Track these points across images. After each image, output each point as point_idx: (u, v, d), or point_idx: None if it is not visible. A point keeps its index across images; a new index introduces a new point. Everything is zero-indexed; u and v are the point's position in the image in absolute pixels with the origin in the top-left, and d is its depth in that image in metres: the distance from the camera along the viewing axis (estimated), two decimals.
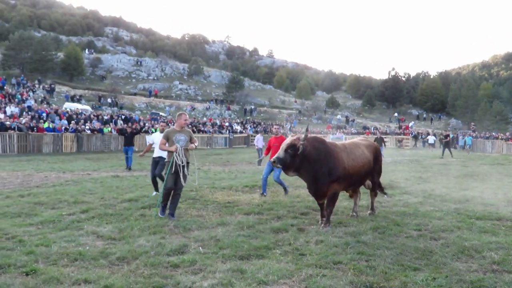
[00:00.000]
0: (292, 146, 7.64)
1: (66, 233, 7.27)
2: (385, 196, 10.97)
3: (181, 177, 8.41)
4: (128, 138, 19.62)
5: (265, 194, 11.59)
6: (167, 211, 8.64)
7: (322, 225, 7.99)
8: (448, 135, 32.65)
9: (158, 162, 11.22)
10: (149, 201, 10.29)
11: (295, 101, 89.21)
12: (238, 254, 6.19)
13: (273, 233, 7.47)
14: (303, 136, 7.79)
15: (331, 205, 8.11)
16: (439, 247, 6.68)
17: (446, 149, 30.05)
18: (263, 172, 11.95)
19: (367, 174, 8.92)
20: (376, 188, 9.46)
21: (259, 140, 23.43)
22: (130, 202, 10.19)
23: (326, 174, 7.81)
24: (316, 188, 7.93)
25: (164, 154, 9.90)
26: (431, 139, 41.57)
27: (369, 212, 9.33)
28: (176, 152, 8.36)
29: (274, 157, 7.72)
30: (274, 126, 12.74)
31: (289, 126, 56.59)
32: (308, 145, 7.76)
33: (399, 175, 17.22)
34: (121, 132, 20.95)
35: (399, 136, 50.52)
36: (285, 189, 11.89)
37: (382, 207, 10.17)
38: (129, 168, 18.91)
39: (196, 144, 8.75)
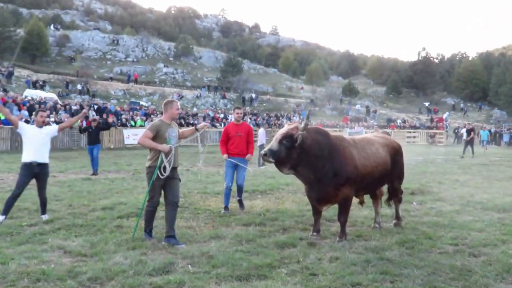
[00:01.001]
0: (288, 137, 7.51)
1: (27, 247, 7.24)
2: (414, 203, 10.95)
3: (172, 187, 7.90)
4: (94, 134, 18.68)
5: (227, 211, 10.35)
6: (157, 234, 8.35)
7: (337, 238, 7.98)
8: (472, 130, 32.33)
9: None
10: (127, 209, 10.28)
11: (302, 88, 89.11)
12: (235, 274, 6.17)
13: (278, 248, 7.45)
14: (302, 125, 7.67)
15: (344, 213, 8.08)
16: (479, 266, 6.66)
17: (468, 146, 29.98)
18: (225, 179, 10.77)
19: (382, 178, 8.87)
20: (398, 195, 9.43)
21: (261, 135, 23.38)
22: (104, 211, 10.18)
23: (332, 175, 7.77)
24: (319, 192, 7.89)
25: None
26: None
27: (394, 222, 9.32)
28: (169, 155, 7.79)
29: (265, 149, 7.58)
30: (236, 111, 10.98)
31: (297, 119, 56.61)
32: (309, 138, 7.67)
33: (430, 177, 17.21)
34: (83, 129, 19.85)
35: (431, 131, 50.51)
36: (240, 201, 10.82)
37: (410, 216, 10.15)
38: (94, 172, 17.89)
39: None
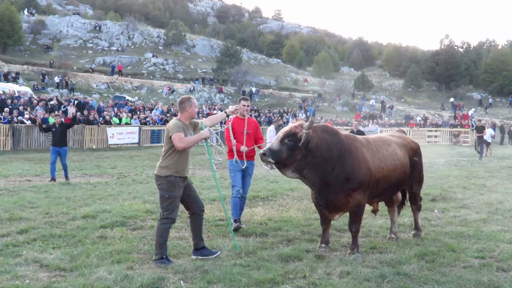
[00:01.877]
0: (291, 135, 7.51)
1: None
2: (435, 211, 10.96)
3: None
4: (58, 134, 17.44)
5: (241, 224, 9.82)
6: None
7: (349, 251, 8.01)
8: (483, 127, 31.65)
9: None
10: (111, 218, 10.29)
11: (306, 80, 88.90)
12: None
13: (282, 261, 7.48)
14: (307, 123, 7.66)
15: (356, 222, 8.09)
16: (509, 281, 6.70)
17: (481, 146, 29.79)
18: (233, 185, 10.01)
19: (400, 182, 8.87)
20: (417, 202, 9.45)
21: (271, 133, 23.17)
22: (86, 220, 10.21)
23: (343, 179, 7.78)
24: (328, 198, 7.90)
25: None
26: (487, 133, 34.53)
27: (413, 233, 9.35)
28: (209, 139, 7.95)
29: (265, 148, 7.55)
30: (242, 103, 10.07)
31: (304, 116, 56.59)
32: (315, 137, 7.68)
33: (454, 182, 17.23)
34: (44, 128, 19.04)
35: (455, 129, 50.47)
36: (236, 221, 9.83)
37: (431, 226, 10.18)
38: (53, 178, 16.95)
39: None
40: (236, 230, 9.31)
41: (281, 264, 7.29)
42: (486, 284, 6.52)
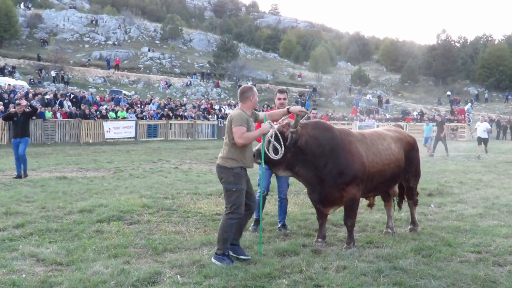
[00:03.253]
0: (278, 135, 7.47)
1: None
2: (432, 206, 10.97)
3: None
4: (19, 124, 16.43)
5: (257, 227, 9.25)
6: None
7: (345, 245, 8.02)
8: (442, 123, 30.81)
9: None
10: (107, 212, 10.28)
11: (299, 76, 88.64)
12: (230, 285, 6.20)
13: (279, 256, 7.48)
14: (293, 121, 7.62)
15: (351, 216, 8.10)
16: (505, 276, 6.71)
17: (440, 142, 28.97)
18: (258, 183, 9.55)
19: (395, 177, 8.87)
20: (414, 197, 9.47)
21: None
22: (82, 214, 10.18)
23: (336, 174, 7.78)
24: (321, 193, 7.91)
25: None
26: (481, 128, 29.40)
27: (409, 227, 9.37)
28: (270, 136, 7.50)
29: (254, 149, 7.52)
30: (278, 96, 9.49)
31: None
32: (305, 134, 7.66)
33: (451, 177, 17.25)
34: (5, 116, 17.91)
35: (452, 124, 50.50)
36: (283, 225, 9.49)
37: (427, 220, 10.19)
38: (19, 175, 15.98)
39: None
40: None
41: (277, 259, 7.28)
42: (482, 279, 6.52)
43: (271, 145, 7.38)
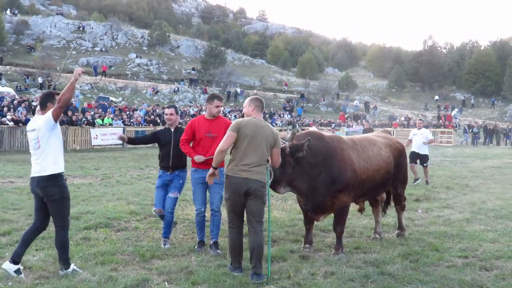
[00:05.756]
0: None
1: None
2: (419, 211, 11.00)
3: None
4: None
5: (202, 247, 8.44)
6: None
7: (333, 251, 8.04)
8: (371, 129, 24.41)
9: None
10: (94, 219, 10.24)
11: (285, 84, 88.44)
12: None
13: (266, 262, 7.47)
14: (289, 134, 7.63)
15: (341, 223, 8.14)
16: (492, 280, 6.75)
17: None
18: (194, 201, 8.79)
19: (385, 182, 8.92)
20: (401, 202, 9.51)
21: None
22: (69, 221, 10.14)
23: (329, 182, 7.80)
24: (314, 201, 7.92)
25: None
26: (417, 139, 19.71)
27: (397, 232, 9.41)
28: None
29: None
30: (216, 102, 8.32)
31: (288, 117, 56.64)
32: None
33: (438, 182, 17.31)
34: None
35: (439, 129, 50.66)
36: (215, 244, 8.39)
37: (415, 226, 10.23)
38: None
39: None
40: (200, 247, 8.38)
41: (265, 265, 7.26)
42: (469, 283, 6.56)
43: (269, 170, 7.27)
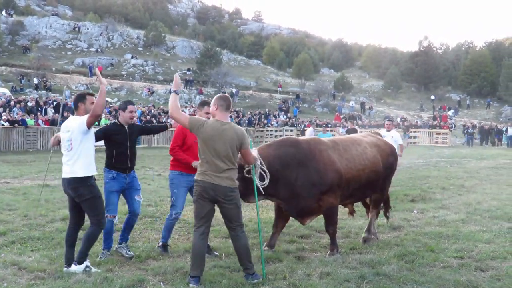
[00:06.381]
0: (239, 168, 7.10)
1: None
2: (414, 212, 11.00)
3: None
4: None
5: (166, 251, 8.31)
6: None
7: (328, 252, 8.04)
8: (354, 130, 23.66)
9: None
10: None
11: (280, 86, 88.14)
12: None
13: (260, 263, 7.47)
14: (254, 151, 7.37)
15: (332, 223, 8.13)
16: (487, 281, 6.76)
17: None
18: (174, 204, 8.46)
19: (372, 182, 8.82)
20: (378, 206, 9.41)
21: (310, 135, 21.91)
22: (65, 222, 10.09)
23: (310, 185, 7.77)
24: (298, 206, 7.93)
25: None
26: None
27: (363, 235, 9.11)
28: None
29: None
30: (206, 109, 8.03)
31: (284, 117, 56.60)
32: (267, 156, 7.59)
33: (433, 183, 17.33)
34: None
35: (435, 130, 50.71)
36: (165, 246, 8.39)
37: (410, 226, 10.24)
38: None
39: None
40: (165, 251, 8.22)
41: (261, 266, 7.27)
42: (464, 284, 6.57)
43: (258, 172, 7.32)
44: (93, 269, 6.90)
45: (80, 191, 6.84)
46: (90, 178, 6.95)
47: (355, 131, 20.22)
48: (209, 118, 7.23)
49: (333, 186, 7.91)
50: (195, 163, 7.78)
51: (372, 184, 8.89)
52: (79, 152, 6.84)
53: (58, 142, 7.22)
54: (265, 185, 7.31)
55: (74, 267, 6.84)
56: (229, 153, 6.63)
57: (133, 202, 8.13)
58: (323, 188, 7.82)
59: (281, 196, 7.88)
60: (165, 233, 8.34)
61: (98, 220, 6.97)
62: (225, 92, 68.79)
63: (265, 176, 7.30)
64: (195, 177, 6.80)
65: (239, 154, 6.87)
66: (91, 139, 7.04)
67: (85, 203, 6.91)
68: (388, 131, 15.10)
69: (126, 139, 7.90)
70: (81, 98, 7.10)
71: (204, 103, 8.15)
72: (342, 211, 11.56)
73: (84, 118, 6.82)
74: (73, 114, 7.18)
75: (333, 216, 8.13)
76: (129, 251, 7.89)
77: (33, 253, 7.81)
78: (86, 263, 6.89)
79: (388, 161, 9.13)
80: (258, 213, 7.67)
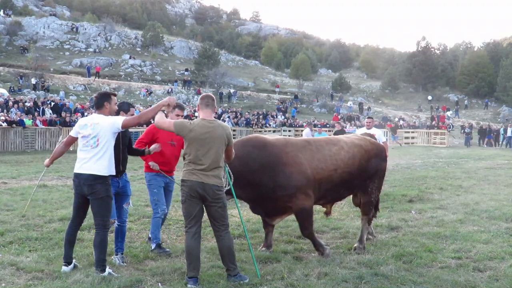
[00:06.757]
0: None
1: None
2: (412, 212, 10.98)
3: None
4: None
5: (162, 250, 8.27)
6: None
7: (317, 253, 8.01)
8: (343, 131, 21.82)
9: None
10: (88, 220, 10.19)
11: (277, 86, 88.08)
12: None
13: (260, 263, 7.48)
14: None
15: (306, 227, 8.01)
16: (485, 281, 6.77)
17: None
18: (157, 202, 8.53)
19: (347, 183, 8.53)
20: (369, 212, 9.04)
21: (308, 135, 22.03)
22: (63, 222, 10.12)
23: (274, 187, 7.70)
24: (266, 207, 7.95)
25: None
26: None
27: (355, 245, 8.63)
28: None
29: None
30: (177, 111, 8.42)
31: (282, 118, 56.61)
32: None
33: (431, 183, 17.32)
34: None
35: (433, 130, 50.77)
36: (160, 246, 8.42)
37: (408, 227, 10.24)
38: None
39: None
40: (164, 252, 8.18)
41: (259, 266, 7.27)
42: (462, 284, 6.57)
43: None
44: (116, 275, 6.86)
45: (97, 188, 6.81)
46: (109, 177, 6.97)
47: (342, 132, 19.77)
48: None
49: (301, 188, 7.77)
50: (152, 163, 8.21)
51: (348, 185, 8.62)
52: (104, 150, 6.83)
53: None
54: (230, 186, 7.27)
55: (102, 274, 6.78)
56: (217, 150, 6.69)
57: (121, 210, 7.96)
58: (290, 191, 7.71)
59: (247, 197, 7.92)
60: (155, 233, 8.35)
61: (104, 222, 6.95)
62: (222, 93, 69.22)
63: (230, 176, 7.30)
64: (182, 177, 6.80)
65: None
66: (115, 140, 7.07)
67: (97, 201, 6.87)
68: (368, 128, 14.51)
69: (119, 142, 7.66)
70: (107, 97, 7.13)
71: (175, 106, 8.10)
72: (341, 211, 11.61)
73: (119, 119, 6.88)
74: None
75: (306, 219, 7.96)
76: (122, 262, 7.71)
77: (31, 254, 7.80)
78: (108, 269, 6.86)
79: (371, 162, 8.77)
80: (240, 211, 7.67)
